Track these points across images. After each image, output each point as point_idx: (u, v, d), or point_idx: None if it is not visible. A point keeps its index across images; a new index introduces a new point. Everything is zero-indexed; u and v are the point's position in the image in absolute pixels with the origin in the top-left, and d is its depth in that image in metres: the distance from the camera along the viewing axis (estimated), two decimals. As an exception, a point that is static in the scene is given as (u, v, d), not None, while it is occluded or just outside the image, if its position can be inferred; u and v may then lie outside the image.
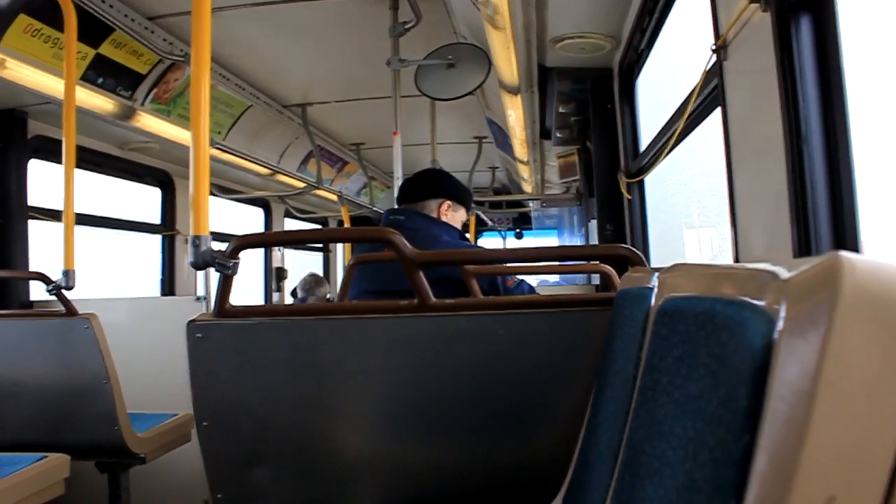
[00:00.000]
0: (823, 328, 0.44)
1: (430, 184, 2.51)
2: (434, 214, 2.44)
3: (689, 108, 1.91)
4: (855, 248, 1.20)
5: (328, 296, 5.53)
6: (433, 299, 1.44)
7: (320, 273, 5.93)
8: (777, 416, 0.48)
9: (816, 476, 0.43)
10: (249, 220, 6.32)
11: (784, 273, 0.53)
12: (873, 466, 0.43)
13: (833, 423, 0.43)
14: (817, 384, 0.43)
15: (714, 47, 1.62)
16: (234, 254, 1.45)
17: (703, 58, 1.69)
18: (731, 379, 0.56)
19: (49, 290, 2.42)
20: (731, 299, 0.63)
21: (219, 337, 1.49)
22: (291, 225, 6.87)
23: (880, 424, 0.43)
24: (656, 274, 1.02)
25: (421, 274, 1.43)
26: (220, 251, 1.47)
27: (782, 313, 0.51)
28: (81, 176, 3.98)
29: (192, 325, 1.49)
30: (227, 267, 1.45)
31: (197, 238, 1.50)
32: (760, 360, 0.52)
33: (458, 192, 2.52)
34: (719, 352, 0.61)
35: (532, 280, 3.28)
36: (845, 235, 1.20)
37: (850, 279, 0.45)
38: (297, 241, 4.80)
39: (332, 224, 7.57)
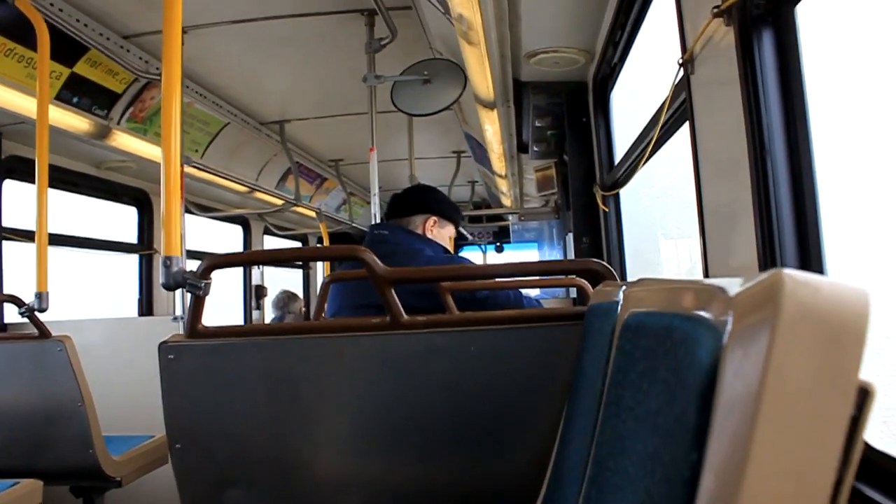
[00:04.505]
0: (765, 344, 0.44)
1: (416, 199, 2.51)
2: (419, 230, 2.43)
3: (661, 121, 1.92)
4: (819, 258, 1.21)
5: (304, 310, 5.49)
6: (405, 317, 1.44)
7: (299, 290, 5.90)
8: (723, 433, 0.48)
9: (760, 493, 0.43)
10: (231, 237, 6.28)
11: (733, 288, 0.54)
12: (815, 483, 0.43)
13: (775, 439, 0.43)
14: (760, 402, 0.43)
15: (681, 61, 1.63)
16: (205, 274, 1.43)
17: (672, 71, 1.71)
18: (685, 395, 0.56)
19: (21, 313, 2.39)
20: (687, 315, 0.63)
21: (191, 358, 1.48)
22: (271, 242, 6.85)
23: (822, 441, 0.43)
24: (623, 288, 1.02)
25: (393, 291, 1.43)
26: (191, 272, 1.45)
27: (728, 329, 0.51)
28: (58, 196, 3.95)
29: (164, 347, 1.47)
30: (198, 288, 1.43)
31: (168, 258, 1.49)
32: (709, 376, 0.52)
33: (444, 209, 2.51)
34: (676, 367, 0.61)
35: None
36: (809, 247, 1.21)
37: (791, 296, 0.45)
38: (270, 260, 4.73)
39: (312, 241, 7.54)
